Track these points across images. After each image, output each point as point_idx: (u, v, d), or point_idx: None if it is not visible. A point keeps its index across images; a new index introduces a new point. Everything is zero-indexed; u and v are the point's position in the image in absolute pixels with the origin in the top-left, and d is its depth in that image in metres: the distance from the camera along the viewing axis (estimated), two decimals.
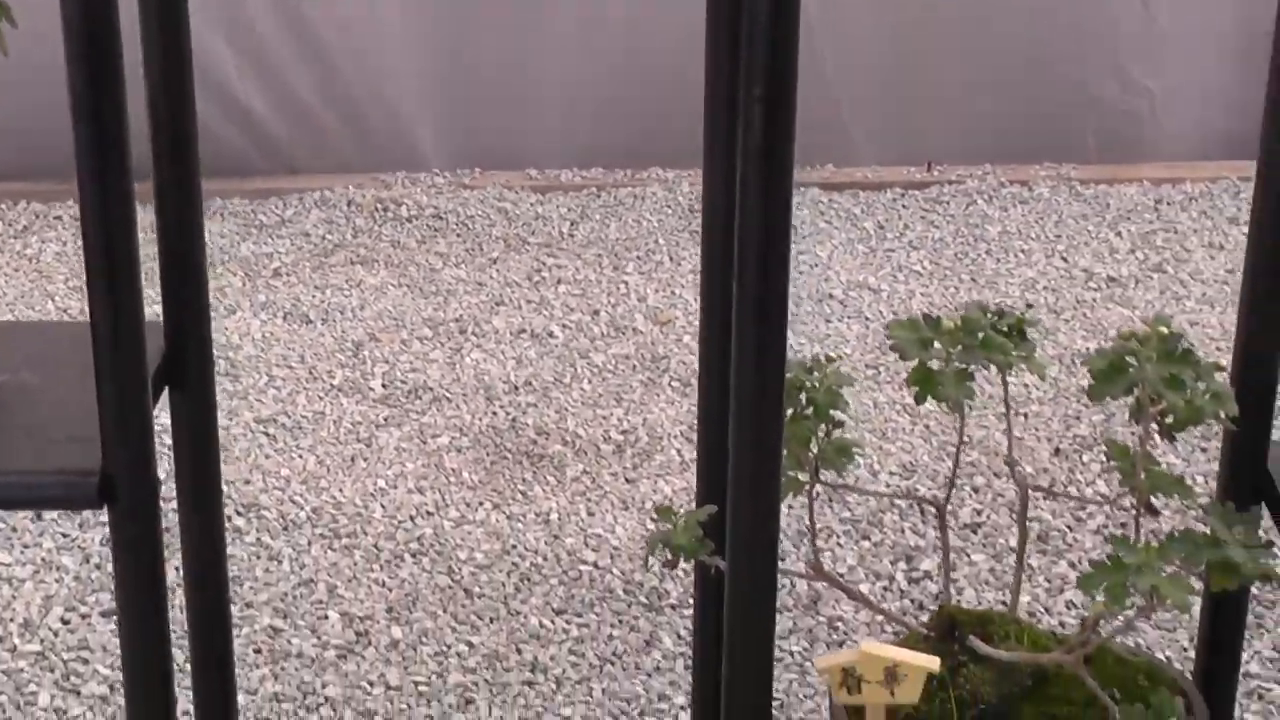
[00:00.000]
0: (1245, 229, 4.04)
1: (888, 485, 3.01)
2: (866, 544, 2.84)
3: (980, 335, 1.62)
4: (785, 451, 1.66)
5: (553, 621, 2.68)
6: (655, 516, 1.68)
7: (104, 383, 1.47)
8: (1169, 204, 4.33)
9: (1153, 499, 1.62)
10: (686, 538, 1.66)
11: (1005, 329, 1.65)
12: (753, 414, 1.44)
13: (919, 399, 1.61)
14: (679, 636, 2.63)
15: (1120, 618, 2.49)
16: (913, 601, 2.68)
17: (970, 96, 4.45)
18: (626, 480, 3.05)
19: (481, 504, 3.00)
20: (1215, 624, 1.78)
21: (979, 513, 2.92)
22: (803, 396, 1.62)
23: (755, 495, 1.48)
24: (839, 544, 2.85)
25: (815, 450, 1.63)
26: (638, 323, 3.66)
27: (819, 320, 3.68)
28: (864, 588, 2.73)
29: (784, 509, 2.87)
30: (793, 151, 1.32)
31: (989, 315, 1.66)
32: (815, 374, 1.63)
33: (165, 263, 1.67)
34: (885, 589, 2.73)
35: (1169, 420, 1.60)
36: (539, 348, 3.58)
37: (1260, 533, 1.72)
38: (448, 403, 3.35)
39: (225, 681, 1.86)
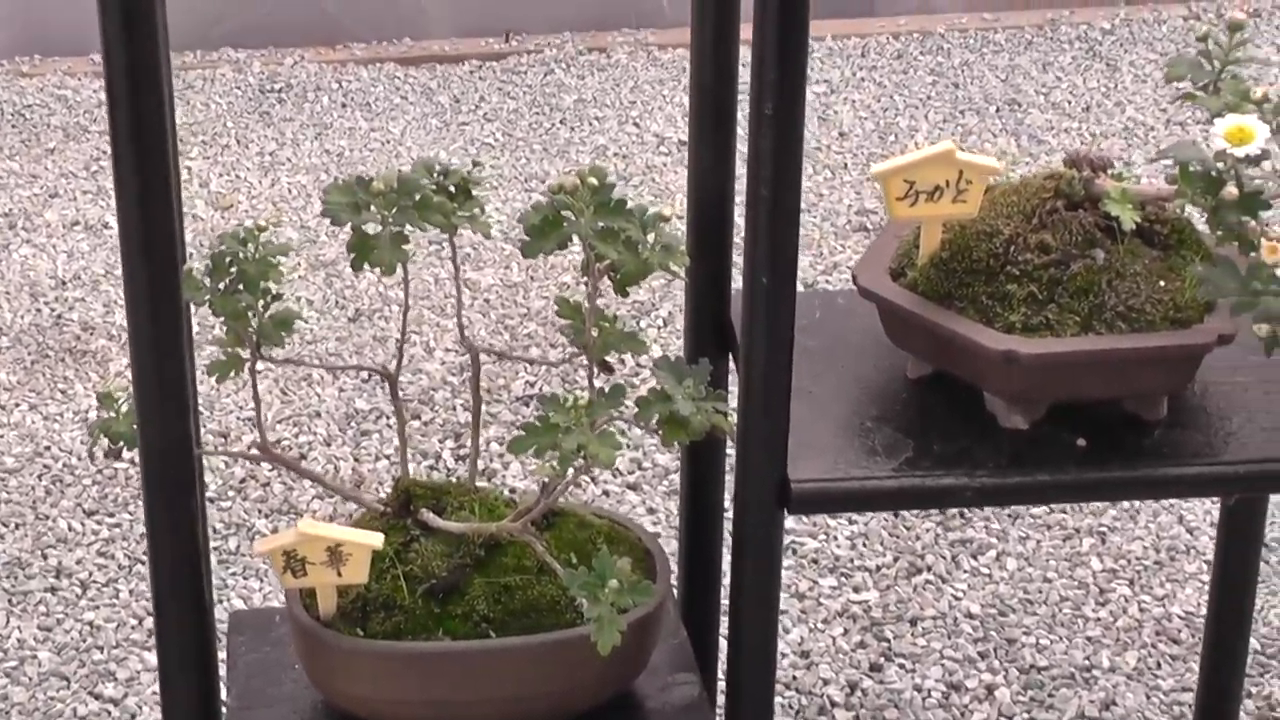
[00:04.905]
0: (832, 86, 4.05)
1: (443, 362, 2.94)
2: (416, 424, 2.77)
3: (418, 196, 1.55)
4: (224, 330, 1.57)
5: (83, 524, 2.56)
6: (99, 404, 1.59)
7: None
8: (745, 65, 4.30)
9: (607, 358, 1.57)
10: (126, 425, 1.56)
11: (450, 189, 1.58)
12: (146, 304, 1.38)
13: (355, 265, 1.53)
14: (215, 530, 2.53)
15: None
16: (457, 479, 2.62)
17: None
18: None
19: (17, 405, 2.85)
20: (693, 477, 1.75)
21: (532, 385, 2.87)
22: (234, 269, 1.53)
23: (160, 379, 1.41)
24: (389, 425, 2.78)
25: (254, 325, 1.54)
26: (198, 209, 3.51)
27: None
28: (410, 467, 2.66)
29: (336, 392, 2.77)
30: None
31: (435, 174, 1.59)
32: (249, 245, 1.54)
33: None
34: (431, 468, 2.67)
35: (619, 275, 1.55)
36: (93, 240, 3.42)
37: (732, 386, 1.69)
38: None
39: None
